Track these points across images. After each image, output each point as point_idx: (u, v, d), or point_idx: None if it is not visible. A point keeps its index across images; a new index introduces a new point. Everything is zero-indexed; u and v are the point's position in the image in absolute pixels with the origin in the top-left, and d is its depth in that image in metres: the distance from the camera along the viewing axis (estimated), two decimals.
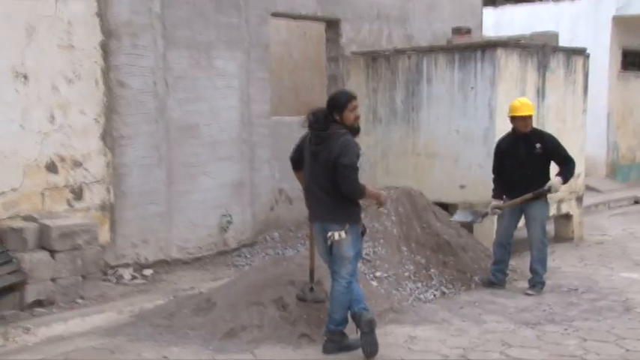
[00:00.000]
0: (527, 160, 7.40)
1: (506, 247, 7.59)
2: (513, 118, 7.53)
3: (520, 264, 8.11)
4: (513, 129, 7.59)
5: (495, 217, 7.87)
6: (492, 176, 7.75)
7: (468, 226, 8.58)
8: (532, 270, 7.48)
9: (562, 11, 16.05)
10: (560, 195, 9.26)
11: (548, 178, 7.44)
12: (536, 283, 7.41)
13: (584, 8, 15.95)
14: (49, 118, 7.23)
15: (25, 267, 6.45)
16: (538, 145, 7.41)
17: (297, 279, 6.11)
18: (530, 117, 7.48)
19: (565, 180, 7.45)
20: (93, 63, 7.56)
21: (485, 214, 7.82)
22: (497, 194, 7.66)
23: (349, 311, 5.51)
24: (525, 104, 7.52)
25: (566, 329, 6.19)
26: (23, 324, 6.09)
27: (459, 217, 8.20)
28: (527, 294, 7.29)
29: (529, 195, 7.37)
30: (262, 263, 7.59)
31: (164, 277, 7.86)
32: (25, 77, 7.04)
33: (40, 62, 7.14)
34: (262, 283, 6.25)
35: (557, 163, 7.48)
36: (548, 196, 7.56)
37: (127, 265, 7.88)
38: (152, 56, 8.11)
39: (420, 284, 7.16)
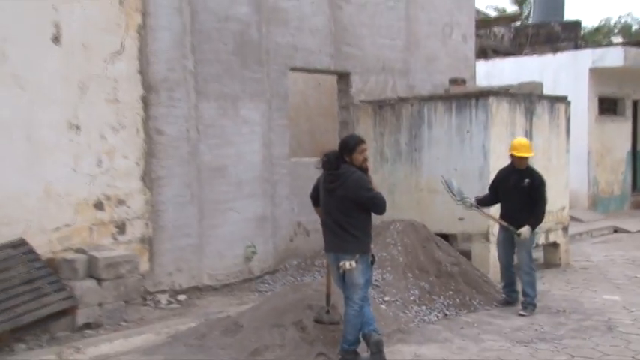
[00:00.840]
0: (514, 192, 7.58)
1: (510, 269, 7.72)
2: (512, 155, 7.71)
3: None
4: (511, 162, 7.77)
5: (467, 209, 7.93)
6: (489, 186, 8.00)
7: (467, 254, 8.62)
8: (523, 293, 7.53)
9: (545, 63, 16.16)
10: (548, 225, 9.34)
11: (531, 210, 7.53)
12: (528, 305, 7.43)
13: (565, 61, 16.12)
14: (97, 163, 7.33)
15: (76, 293, 6.51)
16: (527, 181, 7.56)
17: (314, 303, 6.09)
18: (526, 159, 7.64)
19: (533, 227, 7.55)
20: (135, 114, 7.67)
21: (464, 201, 7.72)
22: (480, 200, 7.88)
23: (361, 332, 5.52)
24: (523, 146, 7.71)
25: (555, 347, 6.20)
26: (75, 344, 6.14)
27: (448, 181, 7.91)
28: (520, 314, 7.31)
29: (506, 224, 7.56)
30: (283, 289, 7.56)
31: (196, 302, 7.84)
32: (78, 128, 7.18)
33: (91, 115, 7.27)
34: (283, 307, 6.23)
35: (532, 200, 7.55)
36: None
37: (163, 292, 7.90)
38: (185, 107, 8.18)
39: (424, 307, 7.14)
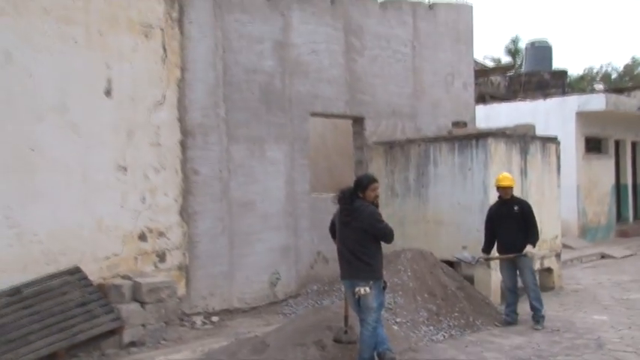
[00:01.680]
0: (508, 220, 7.69)
1: (514, 291, 7.75)
2: (497, 187, 7.86)
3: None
4: (499, 196, 7.89)
5: (480, 264, 8.19)
6: (484, 234, 8.00)
7: (470, 278, 8.61)
8: (532, 308, 7.59)
9: (537, 107, 16.28)
10: (543, 252, 9.36)
11: (525, 233, 7.65)
12: (539, 318, 7.51)
13: (554, 105, 16.28)
14: (141, 200, 7.42)
15: (123, 315, 6.58)
16: (516, 208, 7.74)
17: (333, 324, 6.04)
18: (509, 187, 7.79)
19: (533, 245, 7.72)
20: (174, 156, 7.77)
21: (478, 260, 7.98)
22: (485, 248, 7.95)
23: (375, 351, 5.51)
24: (506, 177, 7.89)
25: None
26: None
27: (459, 255, 8.09)
28: (535, 329, 7.37)
29: (511, 255, 7.64)
30: (305, 312, 7.53)
31: (227, 323, 7.83)
32: (125, 169, 7.29)
33: (136, 157, 7.38)
34: (305, 328, 6.19)
35: (526, 223, 7.70)
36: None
37: (198, 314, 7.90)
38: (218, 149, 8.26)
39: (432, 327, 7.09)
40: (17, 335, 5.93)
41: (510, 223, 7.66)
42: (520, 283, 7.87)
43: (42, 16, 6.68)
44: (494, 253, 7.95)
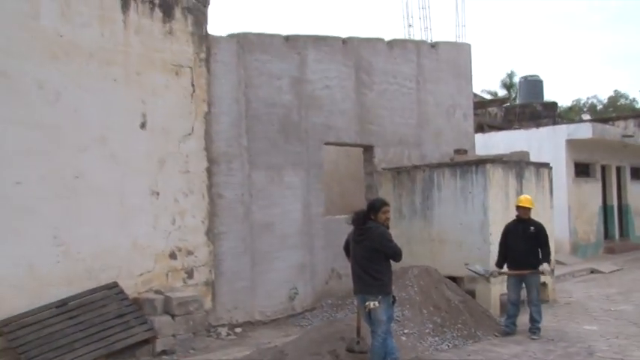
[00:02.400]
0: (523, 238, 7.67)
1: (516, 305, 7.72)
2: (517, 207, 7.85)
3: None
4: (517, 215, 7.87)
5: (495, 279, 8.15)
6: (498, 249, 7.95)
7: (472, 293, 8.59)
8: (532, 320, 7.58)
9: (531, 136, 16.34)
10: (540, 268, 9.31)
11: (538, 253, 7.67)
12: (536, 330, 7.52)
13: (546, 134, 16.37)
14: (171, 221, 7.48)
15: (155, 326, 6.63)
16: (532, 229, 7.72)
17: (346, 335, 6.03)
18: (528, 208, 7.78)
19: (548, 263, 7.81)
20: (201, 182, 7.83)
21: (491, 273, 7.96)
22: (498, 263, 7.91)
23: None
24: (527, 199, 7.90)
25: None
26: None
27: (473, 268, 8.09)
28: (532, 339, 7.36)
29: (526, 272, 7.63)
30: (320, 324, 7.52)
31: (249, 334, 7.84)
32: (157, 194, 7.37)
33: (167, 183, 7.46)
34: (321, 339, 6.18)
35: (539, 243, 7.69)
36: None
37: (223, 325, 7.90)
38: (240, 176, 8.31)
39: (437, 338, 7.07)
40: (64, 342, 6.02)
41: (525, 242, 7.66)
42: (522, 297, 7.83)
43: (88, 59, 6.86)
44: (504, 268, 7.91)
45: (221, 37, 8.35)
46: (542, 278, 9.71)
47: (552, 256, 10.06)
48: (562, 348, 7.01)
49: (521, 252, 7.66)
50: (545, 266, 7.67)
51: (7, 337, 5.93)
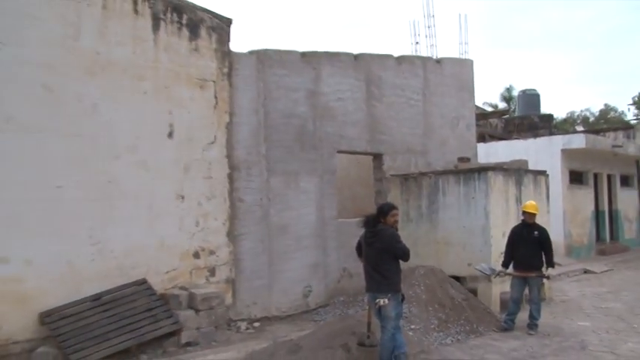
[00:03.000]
0: (527, 241, 7.65)
1: (518, 303, 7.69)
2: (523, 212, 7.84)
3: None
4: (523, 219, 7.86)
5: (499, 278, 8.14)
6: (504, 251, 7.92)
7: (474, 291, 8.54)
8: (531, 317, 7.56)
9: (529, 145, 16.33)
10: None
11: (541, 255, 7.65)
12: (534, 326, 7.50)
13: (543, 144, 16.38)
14: (195, 223, 7.52)
15: (180, 320, 6.66)
16: (536, 233, 7.69)
17: (357, 330, 5.99)
18: (534, 214, 7.74)
19: (553, 267, 7.85)
20: (223, 187, 7.86)
21: (497, 273, 7.93)
22: (504, 264, 7.87)
23: (393, 354, 5.43)
24: (532, 205, 7.87)
25: None
26: (180, 357, 6.30)
27: (479, 267, 8.10)
28: (529, 334, 7.33)
29: (533, 274, 7.60)
30: (333, 319, 7.53)
31: (267, 328, 7.84)
32: (183, 198, 7.42)
33: (192, 188, 7.50)
34: (333, 333, 6.16)
35: (543, 246, 7.67)
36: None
37: (242, 320, 7.92)
38: (259, 181, 8.33)
39: (441, 333, 7.07)
40: (98, 333, 6.10)
41: (529, 245, 7.64)
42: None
43: (121, 74, 6.95)
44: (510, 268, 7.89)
45: (242, 54, 8.41)
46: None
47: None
48: (557, 342, 7.01)
49: (526, 254, 7.64)
50: (549, 270, 7.70)
51: (49, 327, 6.03)
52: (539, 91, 23.82)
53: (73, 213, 6.44)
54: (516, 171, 9.63)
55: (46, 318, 6.06)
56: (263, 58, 8.58)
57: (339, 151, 9.62)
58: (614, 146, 17.34)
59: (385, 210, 5.67)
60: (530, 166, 11.06)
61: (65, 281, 6.32)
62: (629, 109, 40.95)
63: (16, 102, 6.12)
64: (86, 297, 6.38)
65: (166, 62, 7.38)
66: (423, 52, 18.55)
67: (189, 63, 7.63)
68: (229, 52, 8.15)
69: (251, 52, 8.54)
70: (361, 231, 5.78)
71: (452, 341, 6.97)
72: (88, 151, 6.61)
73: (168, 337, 6.56)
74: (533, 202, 8.02)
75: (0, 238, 5.92)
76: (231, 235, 7.96)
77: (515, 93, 33.04)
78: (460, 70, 11.89)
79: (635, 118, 37.71)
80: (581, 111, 44.72)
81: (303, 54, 9.18)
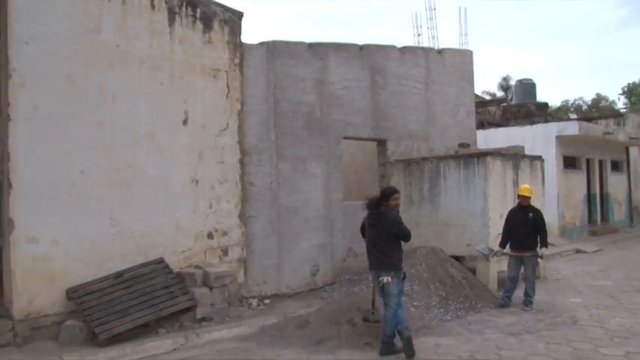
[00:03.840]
0: (523, 223, 7.62)
1: (514, 282, 7.68)
2: (519, 196, 7.80)
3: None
4: (518, 202, 7.81)
5: (497, 258, 8.14)
6: (502, 232, 7.87)
7: (473, 270, 8.53)
8: (526, 294, 7.56)
9: (525, 132, 16.26)
10: None
11: (536, 236, 7.61)
12: (529, 302, 7.50)
13: (539, 130, 16.32)
14: (209, 206, 7.50)
15: (195, 297, 6.67)
16: (531, 215, 7.66)
17: (362, 307, 6.07)
18: (528, 197, 7.71)
19: (546, 247, 7.82)
20: (234, 171, 7.84)
21: (495, 253, 7.91)
22: (501, 244, 7.85)
23: (396, 328, 5.48)
24: (526, 189, 7.85)
25: (537, 337, 6.15)
26: (195, 331, 6.32)
27: (478, 248, 8.09)
28: (525, 310, 7.34)
29: (527, 254, 7.58)
30: (339, 296, 7.55)
31: (277, 305, 7.86)
32: (197, 182, 7.40)
33: (205, 172, 7.48)
34: (339, 309, 6.23)
35: (537, 230, 7.61)
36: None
37: (254, 297, 7.94)
38: (269, 166, 8.31)
39: (442, 310, 7.08)
40: (120, 308, 6.15)
41: (524, 227, 7.60)
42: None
43: (139, 66, 6.92)
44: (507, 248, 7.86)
45: (253, 45, 8.34)
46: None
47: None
48: (550, 317, 7.03)
49: (522, 235, 7.61)
50: (543, 250, 7.67)
51: (75, 302, 6.11)
52: (535, 81, 23.54)
53: (95, 196, 6.45)
54: (513, 156, 9.58)
55: (73, 294, 6.13)
56: (272, 49, 8.50)
57: (345, 137, 9.56)
58: (605, 133, 17.28)
59: (388, 194, 5.67)
60: (527, 152, 10.99)
61: (89, 260, 6.37)
62: (619, 99, 40.84)
63: (42, 93, 6.12)
64: (109, 275, 6.41)
65: (181, 54, 7.32)
66: (425, 43, 18.38)
67: (202, 54, 7.57)
68: (241, 44, 8.07)
69: (261, 44, 8.47)
70: (366, 213, 5.76)
71: (452, 317, 6.98)
72: (108, 138, 6.60)
73: (185, 312, 6.58)
74: (527, 186, 7.98)
75: (30, 220, 5.96)
76: (243, 217, 7.96)
77: (512, 82, 32.75)
78: (460, 60, 11.78)
79: (624, 106, 37.47)
80: (575, 100, 44.37)
81: (311, 45, 9.08)
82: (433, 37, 18.54)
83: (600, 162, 18.75)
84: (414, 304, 7.07)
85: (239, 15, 8.06)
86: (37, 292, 5.99)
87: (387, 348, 5.52)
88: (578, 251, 13.96)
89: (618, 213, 19.88)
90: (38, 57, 6.09)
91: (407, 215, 9.46)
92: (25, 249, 5.93)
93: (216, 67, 7.73)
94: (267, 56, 8.41)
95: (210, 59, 7.66)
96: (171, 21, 7.25)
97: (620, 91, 41.19)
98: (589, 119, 21.42)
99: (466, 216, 9.05)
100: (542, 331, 6.41)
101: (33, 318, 5.96)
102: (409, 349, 5.36)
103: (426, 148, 10.80)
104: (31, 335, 5.93)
